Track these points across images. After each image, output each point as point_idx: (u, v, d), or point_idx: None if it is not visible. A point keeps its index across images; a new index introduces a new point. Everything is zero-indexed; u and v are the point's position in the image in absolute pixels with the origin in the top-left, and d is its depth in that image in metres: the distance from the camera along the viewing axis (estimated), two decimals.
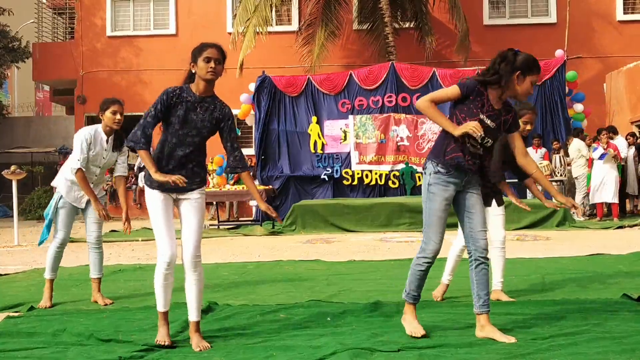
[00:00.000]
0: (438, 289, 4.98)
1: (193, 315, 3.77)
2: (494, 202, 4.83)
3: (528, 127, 4.81)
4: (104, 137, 5.12)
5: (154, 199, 3.78)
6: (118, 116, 5.05)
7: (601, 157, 12.32)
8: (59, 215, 5.20)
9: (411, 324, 3.79)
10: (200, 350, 3.62)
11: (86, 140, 5.02)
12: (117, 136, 5.19)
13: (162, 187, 3.74)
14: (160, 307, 3.79)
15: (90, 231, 5.30)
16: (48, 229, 5.36)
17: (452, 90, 3.59)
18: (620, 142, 13.03)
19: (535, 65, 3.57)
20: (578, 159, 13.10)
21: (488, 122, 3.57)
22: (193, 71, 3.75)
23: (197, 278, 3.78)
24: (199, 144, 3.80)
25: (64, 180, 5.20)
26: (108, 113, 5.04)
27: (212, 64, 3.66)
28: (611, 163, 12.33)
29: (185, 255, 3.76)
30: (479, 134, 3.45)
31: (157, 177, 3.60)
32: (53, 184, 5.34)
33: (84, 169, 5.00)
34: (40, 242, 5.51)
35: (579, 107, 14.46)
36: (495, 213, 4.84)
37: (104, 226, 5.49)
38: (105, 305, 5.15)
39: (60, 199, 5.19)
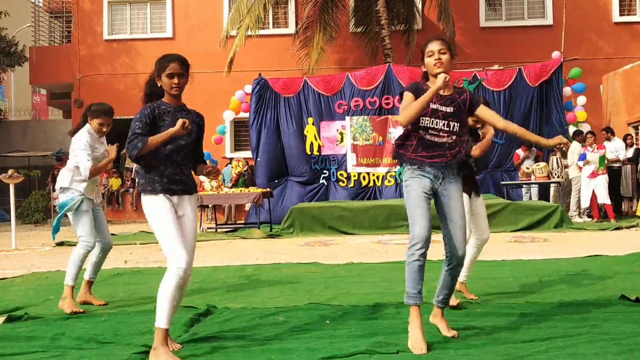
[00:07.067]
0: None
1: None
2: (479, 200, 4.89)
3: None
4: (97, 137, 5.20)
5: (158, 202, 3.60)
6: (105, 128, 5.15)
7: (580, 158, 12.40)
8: (81, 220, 5.08)
9: (415, 337, 3.56)
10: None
11: (89, 143, 5.06)
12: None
13: (169, 191, 3.65)
14: (163, 323, 3.43)
15: (105, 237, 5.28)
16: (57, 229, 5.29)
17: (408, 96, 3.76)
18: (617, 144, 13.04)
19: (429, 41, 3.84)
20: (574, 162, 13.12)
21: (443, 108, 3.77)
22: (159, 84, 3.79)
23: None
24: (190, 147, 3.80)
25: (81, 182, 5.08)
26: (95, 123, 5.13)
27: (175, 80, 3.70)
28: (597, 165, 12.28)
29: None
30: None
31: (178, 126, 3.56)
32: (63, 185, 5.10)
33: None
34: (55, 231, 5.35)
35: (581, 99, 14.55)
36: (483, 215, 4.93)
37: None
38: (99, 305, 5.23)
39: (81, 202, 5.06)
